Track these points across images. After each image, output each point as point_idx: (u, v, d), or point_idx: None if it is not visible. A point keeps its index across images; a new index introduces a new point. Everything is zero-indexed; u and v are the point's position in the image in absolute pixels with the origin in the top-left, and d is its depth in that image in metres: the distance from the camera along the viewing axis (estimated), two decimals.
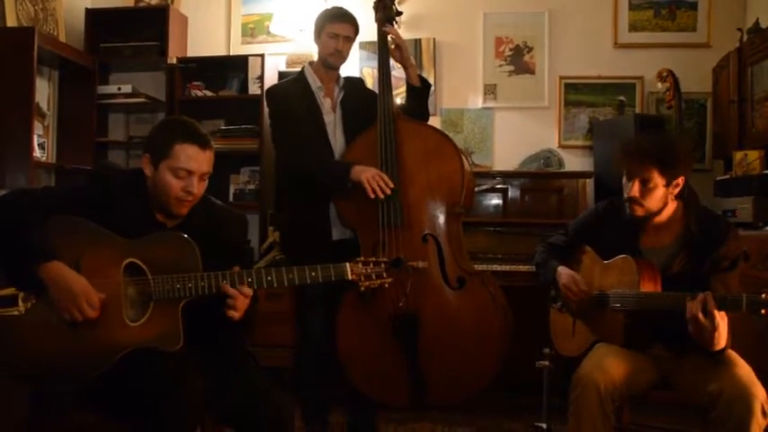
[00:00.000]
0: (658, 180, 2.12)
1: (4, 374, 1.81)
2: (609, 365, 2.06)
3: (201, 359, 1.86)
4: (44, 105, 4.07)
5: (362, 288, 1.92)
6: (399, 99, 3.43)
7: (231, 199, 4.09)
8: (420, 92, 2.78)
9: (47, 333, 1.77)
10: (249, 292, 1.83)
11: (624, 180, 2.20)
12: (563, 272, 2.32)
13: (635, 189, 2.14)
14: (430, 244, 2.57)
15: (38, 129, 3.89)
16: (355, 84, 2.87)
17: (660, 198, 2.14)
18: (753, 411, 1.86)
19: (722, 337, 1.92)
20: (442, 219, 2.59)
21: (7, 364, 1.79)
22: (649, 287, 2.10)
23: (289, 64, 4.18)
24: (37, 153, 3.78)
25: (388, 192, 2.51)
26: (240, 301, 1.82)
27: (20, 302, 1.77)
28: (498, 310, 2.54)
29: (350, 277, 1.89)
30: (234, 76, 4.17)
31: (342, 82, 2.79)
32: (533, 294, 2.67)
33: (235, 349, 2.00)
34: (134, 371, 1.75)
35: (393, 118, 2.63)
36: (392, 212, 2.56)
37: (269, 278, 1.85)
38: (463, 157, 2.66)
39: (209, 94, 4.15)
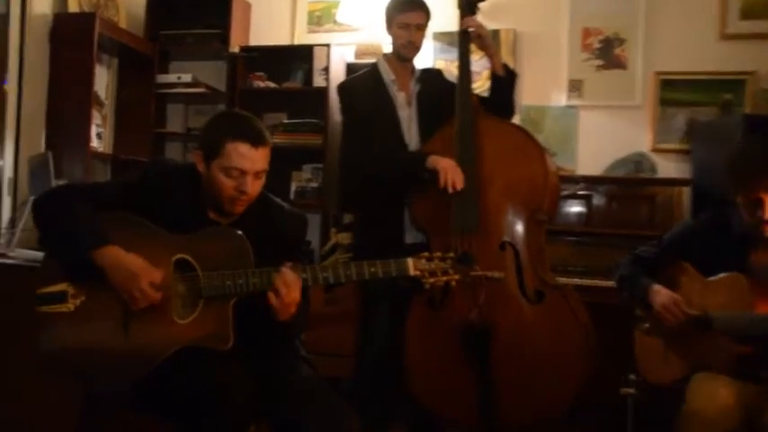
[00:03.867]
0: None
1: (55, 373, 1.87)
2: (723, 399, 1.93)
3: (251, 362, 1.87)
4: (102, 94, 4.17)
5: (427, 286, 1.88)
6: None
7: (292, 197, 4.09)
8: (505, 82, 2.73)
9: (96, 331, 1.80)
10: (291, 278, 1.79)
11: (745, 197, 2.04)
12: (661, 291, 2.19)
13: None
14: (507, 252, 2.51)
15: (96, 118, 3.98)
16: (433, 76, 2.85)
17: None
18: None
19: None
20: (522, 225, 2.53)
21: (57, 361, 1.83)
22: (765, 309, 1.97)
23: (358, 55, 4.15)
24: (94, 143, 3.88)
25: (458, 187, 2.47)
26: (283, 286, 1.77)
27: (69, 299, 1.80)
28: (580, 328, 2.47)
29: (412, 273, 1.86)
30: (298, 67, 4.17)
31: (418, 74, 2.77)
32: (618, 313, 2.55)
33: (287, 353, 1.99)
34: (181, 372, 1.77)
35: (473, 113, 2.59)
36: (467, 216, 2.51)
37: (325, 274, 1.84)
38: (548, 159, 2.59)
39: (271, 85, 4.17)
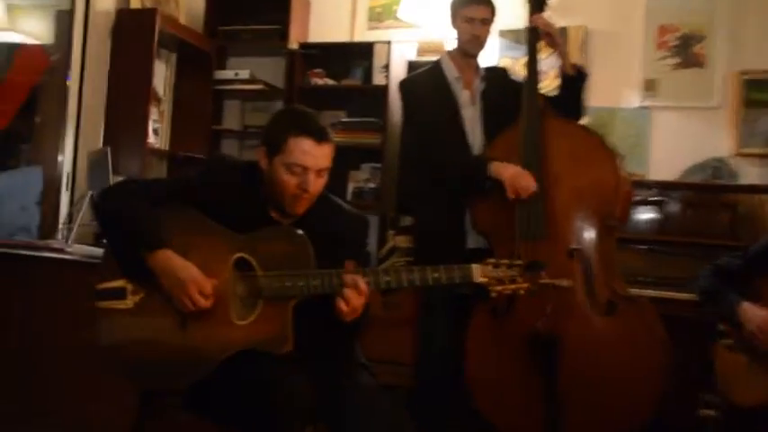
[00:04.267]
0: None
1: (112, 370, 1.89)
2: None
3: (309, 365, 1.87)
4: (160, 90, 4.26)
5: (493, 294, 1.85)
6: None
7: (349, 197, 4.10)
8: (575, 82, 2.70)
9: (153, 329, 1.83)
10: (364, 286, 1.80)
11: None
12: (754, 311, 2.13)
13: None
14: (576, 260, 2.46)
15: (153, 114, 4.07)
16: (499, 74, 2.83)
17: None
18: None
19: None
20: (591, 232, 2.49)
21: (114, 360, 1.86)
22: None
23: (419, 52, 4.14)
24: (151, 139, 3.96)
25: (530, 192, 2.44)
26: (353, 293, 1.78)
27: (128, 296, 1.83)
28: (656, 342, 2.40)
29: (478, 280, 1.83)
30: (358, 65, 4.19)
31: (483, 72, 2.75)
32: (693, 326, 2.48)
33: (347, 359, 1.99)
34: (237, 373, 1.79)
35: (540, 114, 2.56)
36: (533, 222, 2.48)
37: (387, 278, 1.83)
38: (620, 163, 2.55)
39: (330, 82, 4.19)
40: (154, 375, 1.84)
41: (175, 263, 1.79)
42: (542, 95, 2.67)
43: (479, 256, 2.49)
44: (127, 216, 1.82)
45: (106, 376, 1.95)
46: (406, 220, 3.78)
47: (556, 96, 2.76)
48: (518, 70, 3.61)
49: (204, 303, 1.79)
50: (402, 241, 3.71)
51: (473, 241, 2.65)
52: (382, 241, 3.91)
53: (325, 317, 1.85)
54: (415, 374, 2.83)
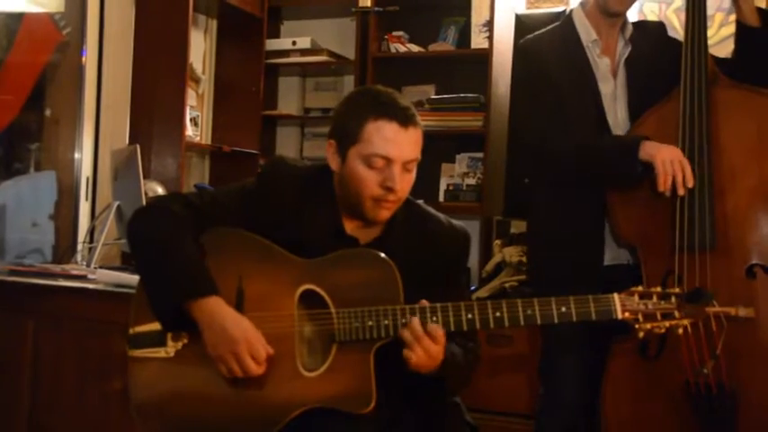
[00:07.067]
0: None
1: None
2: None
3: (397, 428, 1.88)
4: (198, 67, 4.35)
5: (641, 333, 1.84)
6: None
7: (441, 198, 4.13)
8: (758, 36, 2.55)
9: (199, 383, 1.85)
10: (439, 334, 1.79)
11: None
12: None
13: None
14: (760, 281, 2.38)
15: (190, 99, 4.15)
16: (651, 33, 2.74)
17: None
18: None
19: None
20: None
21: (149, 420, 1.89)
22: None
23: (531, 3, 4.12)
24: (189, 131, 4.03)
25: (688, 186, 2.37)
26: (418, 348, 1.78)
27: (168, 341, 1.86)
28: None
29: (620, 316, 1.82)
30: (450, 23, 4.20)
31: (629, 32, 2.68)
32: None
33: (443, 418, 1.99)
34: None
35: (706, 81, 2.46)
36: (697, 226, 2.40)
37: (497, 314, 1.82)
38: None
39: (415, 49, 4.22)
40: None
41: (226, 316, 1.81)
42: (711, 56, 2.56)
43: (618, 275, 2.49)
44: (167, 250, 1.85)
45: None
46: (518, 226, 3.78)
47: (730, 59, 2.66)
48: (671, 21, 3.50)
49: (255, 369, 1.80)
50: (512, 254, 3.71)
51: (610, 256, 2.60)
52: (486, 254, 3.91)
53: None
54: (535, 430, 2.82)
